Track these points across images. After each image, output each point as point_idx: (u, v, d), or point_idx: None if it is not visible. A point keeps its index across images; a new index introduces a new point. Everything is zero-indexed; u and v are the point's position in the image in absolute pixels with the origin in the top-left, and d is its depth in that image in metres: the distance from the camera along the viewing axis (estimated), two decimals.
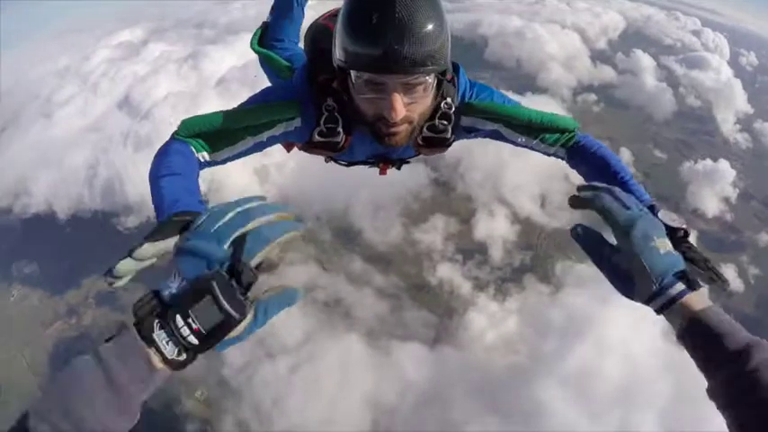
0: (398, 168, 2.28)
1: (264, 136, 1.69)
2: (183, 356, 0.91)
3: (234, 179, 48.11)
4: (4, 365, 36.71)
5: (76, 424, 0.80)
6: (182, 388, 36.02)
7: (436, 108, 1.69)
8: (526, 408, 35.52)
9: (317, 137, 1.74)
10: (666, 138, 59.51)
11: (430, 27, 1.33)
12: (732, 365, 0.96)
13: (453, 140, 1.87)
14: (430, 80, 1.45)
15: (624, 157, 55.44)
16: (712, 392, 1.04)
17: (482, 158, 47.16)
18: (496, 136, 1.92)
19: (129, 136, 50.93)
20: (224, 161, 1.73)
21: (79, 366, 0.86)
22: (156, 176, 1.47)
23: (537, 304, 41.27)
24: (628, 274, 1.18)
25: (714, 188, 50.98)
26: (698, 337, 1.06)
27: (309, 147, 1.85)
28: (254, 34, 2.46)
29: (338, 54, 1.43)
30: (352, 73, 1.42)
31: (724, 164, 52.60)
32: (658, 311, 1.14)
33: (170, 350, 0.89)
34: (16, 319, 40.55)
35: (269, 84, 2.44)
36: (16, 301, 42.25)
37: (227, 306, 0.87)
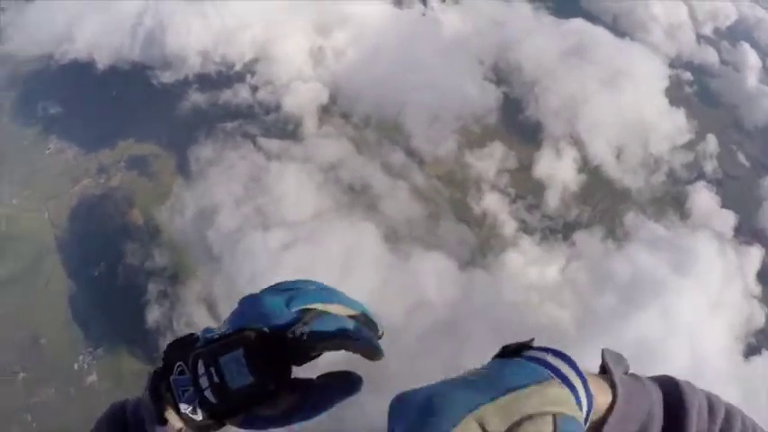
0: None
1: None
2: (199, 417, 0.73)
3: (285, 52, 41.44)
4: (27, 216, 35.35)
5: None
6: (156, 246, 32.50)
7: None
8: None
9: None
10: (751, 146, 50.12)
11: None
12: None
13: None
14: None
15: (710, 146, 46.70)
16: None
17: (563, 83, 38.77)
18: None
19: None
20: None
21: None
22: None
23: (595, 254, 33.24)
24: None
25: None
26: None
27: None
28: None
29: None
30: None
31: None
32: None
33: (184, 403, 0.73)
34: (48, 172, 38.31)
35: None
36: (51, 154, 39.77)
37: (259, 368, 0.70)
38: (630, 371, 0.80)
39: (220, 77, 40.45)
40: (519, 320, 30.05)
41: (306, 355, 0.74)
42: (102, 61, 44.40)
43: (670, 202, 40.41)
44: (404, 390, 0.63)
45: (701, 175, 42.14)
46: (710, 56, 54.10)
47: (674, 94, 48.92)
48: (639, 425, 0.67)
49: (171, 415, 0.73)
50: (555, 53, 40.65)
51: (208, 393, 0.71)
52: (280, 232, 30.18)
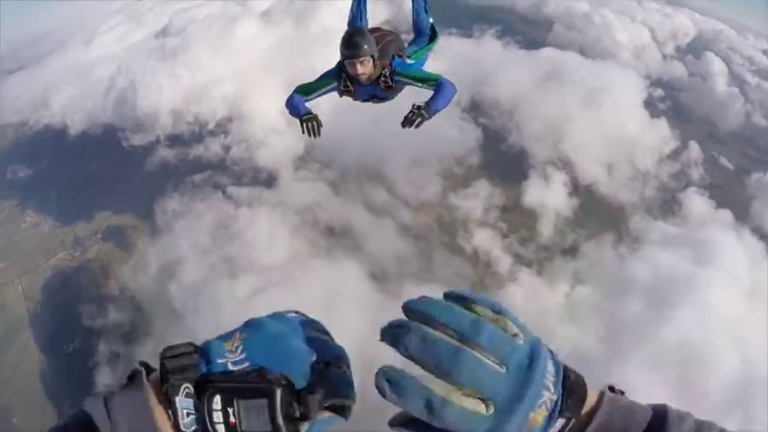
0: (382, 102, 3.94)
1: (324, 90, 3.62)
2: None
3: (258, 109, 39.18)
4: (1, 290, 33.70)
5: None
6: (112, 301, 30.11)
7: (382, 73, 3.52)
8: None
9: (342, 88, 3.61)
10: (732, 149, 48.59)
11: (365, 46, 3.29)
12: None
13: (395, 86, 3.63)
14: (368, 59, 3.36)
15: (694, 154, 44.85)
16: None
17: (543, 107, 36.40)
18: (410, 84, 3.58)
19: (155, 49, 43.66)
20: (313, 98, 3.67)
21: (96, 422, 0.71)
22: (289, 104, 3.57)
23: (606, 265, 29.84)
24: None
25: None
26: None
27: (342, 92, 3.67)
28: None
29: (340, 55, 3.39)
30: (345, 60, 3.38)
31: None
32: None
33: (188, 423, 0.71)
34: (24, 246, 37.17)
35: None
36: (27, 227, 38.56)
37: (280, 423, 0.70)
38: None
39: (192, 136, 38.13)
40: None
41: (314, 414, 0.73)
42: (75, 126, 42.44)
43: (666, 211, 38.14)
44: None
45: (690, 182, 40.33)
46: (678, 70, 53.55)
47: (651, 112, 47.66)
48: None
49: (166, 425, 0.71)
50: (530, 81, 38.65)
51: (218, 428, 0.70)
52: (249, 279, 27.01)
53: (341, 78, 3.52)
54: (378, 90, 3.64)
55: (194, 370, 0.73)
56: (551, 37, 52.75)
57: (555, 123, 35.98)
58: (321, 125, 3.40)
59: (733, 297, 25.90)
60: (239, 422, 0.69)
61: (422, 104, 3.24)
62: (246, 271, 27.04)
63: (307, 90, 3.61)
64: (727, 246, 29.26)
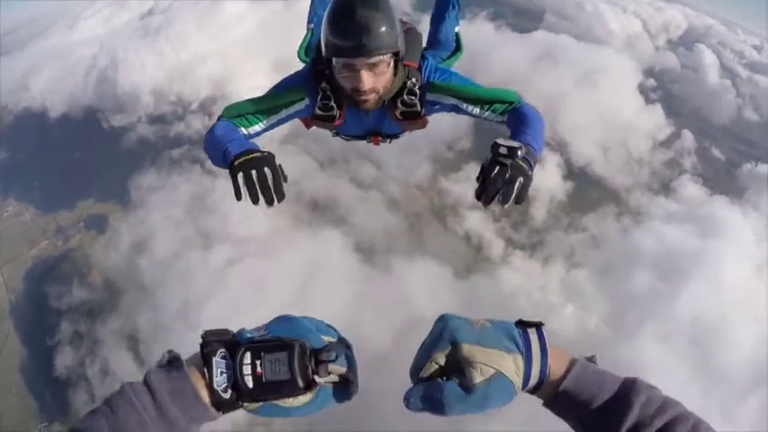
0: (389, 142, 2.25)
1: (283, 114, 1.88)
2: (227, 395, 0.84)
3: (247, 91, 37.05)
4: None
5: None
6: (77, 274, 29.05)
7: (404, 86, 1.82)
8: None
9: (317, 111, 1.87)
10: (723, 143, 47.99)
11: (383, 28, 1.56)
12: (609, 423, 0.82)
13: (425, 114, 1.92)
14: (386, 59, 1.63)
15: (686, 142, 44.17)
16: None
17: (538, 88, 34.80)
18: (456, 109, 1.90)
19: (138, 27, 42.01)
20: (258, 134, 1.87)
21: (134, 396, 0.80)
22: (211, 141, 1.65)
23: (613, 239, 28.54)
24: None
25: None
26: (565, 405, 0.86)
27: (314, 119, 1.94)
28: (300, 46, 2.54)
29: (323, 48, 1.65)
30: (333, 60, 1.63)
31: None
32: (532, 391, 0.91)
33: (220, 380, 0.84)
34: (5, 235, 35.69)
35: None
36: (9, 216, 37.18)
37: (297, 370, 0.85)
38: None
39: (175, 116, 36.42)
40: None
41: (323, 373, 0.86)
42: (55, 108, 40.49)
43: (667, 188, 37.20)
44: (449, 313, 0.88)
45: (683, 170, 39.59)
46: (671, 61, 52.93)
47: (646, 98, 46.82)
48: (587, 395, 0.81)
49: (202, 388, 0.83)
50: (524, 61, 37.44)
51: (247, 379, 0.83)
52: (224, 249, 25.39)
53: (317, 95, 1.86)
54: (385, 122, 2.01)
55: (231, 341, 0.84)
56: (543, 25, 51.90)
57: (549, 103, 34.77)
58: (285, 177, 1.44)
59: (744, 270, 24.80)
60: (264, 372, 0.81)
61: (511, 144, 1.39)
62: (222, 242, 25.47)
63: (247, 117, 1.84)
64: (732, 220, 28.29)
